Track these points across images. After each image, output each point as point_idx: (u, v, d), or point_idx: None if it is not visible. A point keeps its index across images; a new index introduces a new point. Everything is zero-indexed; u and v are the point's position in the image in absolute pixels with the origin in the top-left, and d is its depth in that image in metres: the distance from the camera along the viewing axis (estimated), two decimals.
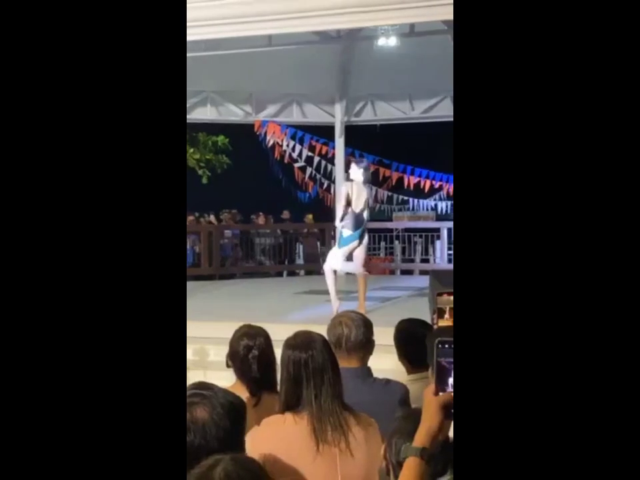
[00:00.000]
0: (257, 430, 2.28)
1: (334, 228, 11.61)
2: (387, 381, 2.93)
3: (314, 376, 2.25)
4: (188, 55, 7.34)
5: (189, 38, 7.27)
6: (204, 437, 1.64)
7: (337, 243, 6.84)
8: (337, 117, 11.32)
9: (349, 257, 6.86)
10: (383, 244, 14.32)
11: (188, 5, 6.66)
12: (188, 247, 11.24)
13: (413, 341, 3.08)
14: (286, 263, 12.23)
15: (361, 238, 6.65)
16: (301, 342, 2.33)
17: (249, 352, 2.72)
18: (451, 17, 6.47)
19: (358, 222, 6.58)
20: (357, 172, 6.82)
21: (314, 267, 12.28)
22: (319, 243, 12.58)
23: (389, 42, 8.56)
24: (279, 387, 2.45)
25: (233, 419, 1.73)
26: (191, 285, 7.48)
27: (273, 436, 2.25)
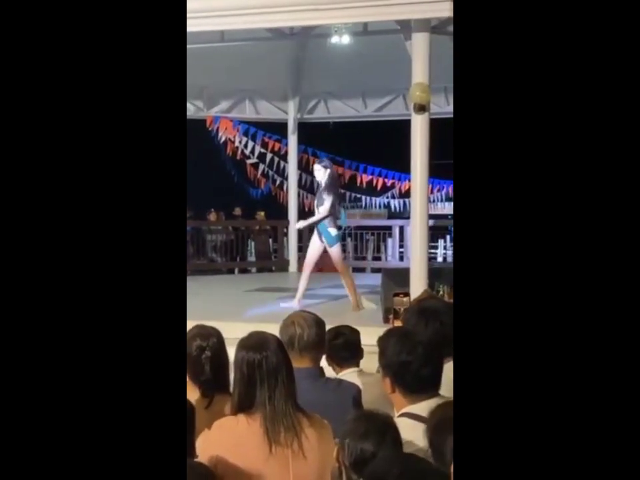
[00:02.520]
0: (209, 432, 2.25)
1: (286, 225, 11.65)
2: (340, 381, 2.94)
3: (268, 377, 2.24)
4: None
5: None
6: None
7: (327, 242, 6.87)
8: (290, 114, 11.30)
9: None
10: None
11: None
12: None
13: (346, 345, 3.34)
14: (238, 260, 12.16)
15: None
16: (254, 342, 2.31)
17: (202, 353, 2.68)
18: (403, 16, 6.52)
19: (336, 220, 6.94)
20: (321, 172, 6.92)
21: (266, 264, 12.28)
22: (270, 240, 12.54)
23: (342, 40, 8.56)
24: (231, 388, 2.43)
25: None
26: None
27: (226, 438, 2.22)
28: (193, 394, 2.61)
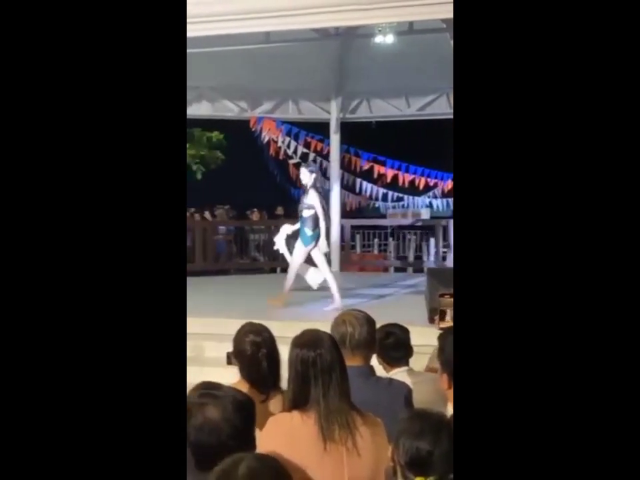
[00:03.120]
0: (264, 428, 2.28)
1: (329, 224, 11.66)
2: (390, 380, 2.94)
3: (322, 375, 2.26)
4: (187, 50, 7.17)
5: (188, 34, 7.19)
6: (217, 436, 1.64)
7: (301, 241, 7.20)
8: (333, 114, 11.31)
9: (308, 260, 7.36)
10: (376, 241, 14.34)
11: (188, 2, 6.59)
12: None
13: (396, 344, 3.35)
14: (280, 259, 12.22)
15: (317, 239, 7.13)
16: (308, 340, 2.34)
17: (258, 349, 2.72)
18: (449, 15, 6.48)
19: (316, 223, 7.07)
20: (307, 175, 7.21)
21: (307, 263, 12.31)
22: None
23: (386, 39, 8.55)
24: (284, 385, 2.46)
25: (244, 417, 1.74)
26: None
27: (280, 434, 2.25)
28: (245, 391, 2.64)
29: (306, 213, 7.10)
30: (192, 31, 6.13)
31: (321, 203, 7.07)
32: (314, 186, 7.12)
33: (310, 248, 7.16)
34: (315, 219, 7.07)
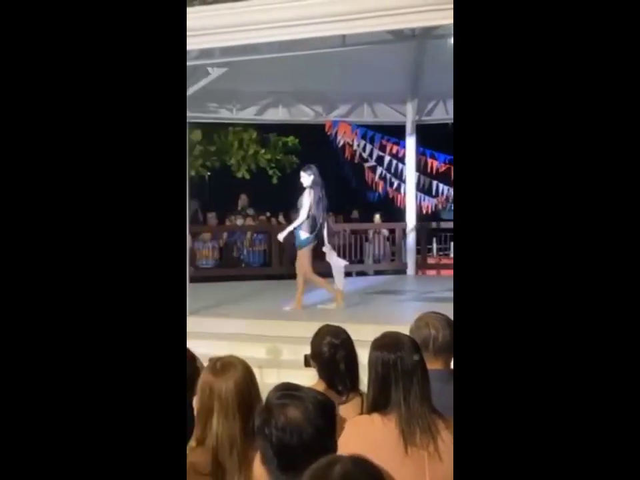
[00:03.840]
0: (344, 430, 2.27)
1: (404, 227, 11.59)
2: None
3: (403, 377, 2.23)
4: (262, 56, 7.35)
5: (258, 40, 7.29)
6: (299, 436, 1.64)
7: (296, 243, 7.41)
8: (408, 116, 11.24)
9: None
10: (453, 244, 14.15)
11: (261, 7, 6.70)
12: (262, 247, 11.37)
13: None
14: (355, 262, 12.21)
15: (317, 240, 7.31)
16: (389, 343, 2.32)
17: (336, 351, 2.72)
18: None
19: (314, 225, 7.21)
20: (306, 178, 7.36)
21: (383, 267, 12.27)
22: (388, 243, 12.52)
23: None
24: (364, 387, 2.45)
25: (326, 418, 1.73)
26: (261, 285, 7.58)
27: (361, 437, 2.23)
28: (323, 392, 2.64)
29: (302, 214, 7.24)
30: (266, 36, 6.23)
31: (316, 202, 7.18)
32: (310, 187, 7.27)
33: (307, 250, 7.26)
34: (311, 221, 7.21)
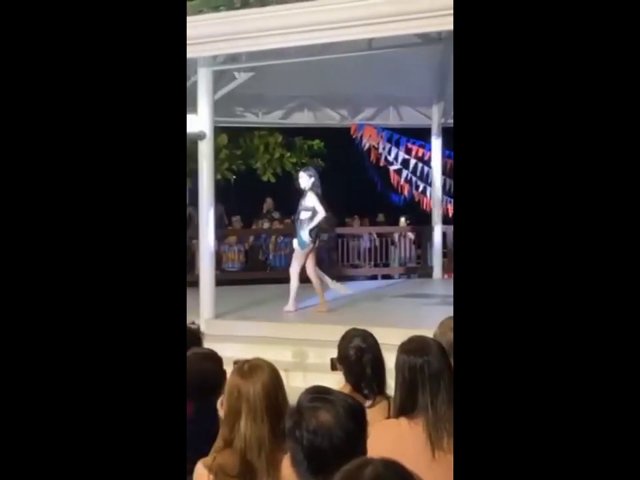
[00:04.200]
0: (372, 434, 2.27)
1: (430, 230, 11.55)
2: None
3: (430, 381, 2.24)
4: (288, 60, 7.38)
5: (284, 45, 7.30)
6: (330, 439, 1.65)
7: (297, 244, 7.46)
8: (434, 119, 11.21)
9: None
10: None
11: (287, 12, 6.72)
12: (287, 251, 11.40)
13: None
14: (380, 266, 12.20)
15: (315, 240, 7.40)
16: (416, 347, 2.32)
17: (362, 355, 2.73)
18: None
19: (314, 226, 7.39)
20: (306, 179, 7.49)
21: (409, 270, 12.24)
22: (414, 246, 12.48)
23: None
24: (390, 391, 2.45)
25: (356, 421, 1.74)
26: (287, 288, 7.61)
27: (388, 440, 2.23)
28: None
29: (303, 215, 7.35)
30: (298, 40, 6.26)
31: (321, 203, 7.33)
32: (311, 189, 7.35)
33: (307, 251, 7.34)
34: (312, 221, 7.30)
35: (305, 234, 7.32)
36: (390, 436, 2.25)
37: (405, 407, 2.28)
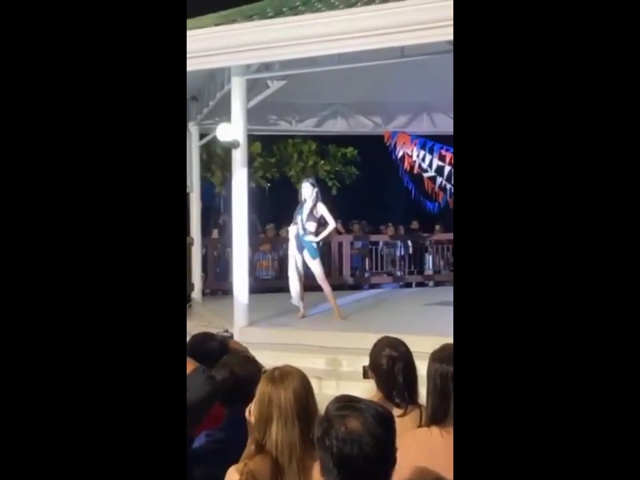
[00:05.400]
0: (403, 443, 2.26)
1: None
2: None
3: None
4: (321, 68, 7.40)
5: (317, 53, 7.33)
6: (359, 447, 1.65)
7: (310, 255, 7.51)
8: None
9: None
10: None
11: (320, 20, 6.73)
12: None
13: None
14: (415, 273, 12.15)
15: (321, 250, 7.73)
16: (448, 355, 2.30)
17: (394, 363, 2.72)
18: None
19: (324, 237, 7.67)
20: (309, 189, 7.60)
21: (443, 277, 12.16)
22: (449, 254, 12.40)
23: None
24: (423, 400, 2.43)
25: (386, 429, 1.74)
26: (321, 296, 7.63)
27: (420, 449, 2.22)
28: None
29: (310, 226, 7.38)
30: (331, 49, 6.28)
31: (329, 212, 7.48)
32: (318, 198, 7.49)
33: (320, 259, 7.49)
34: (322, 233, 7.46)
35: (314, 245, 7.43)
36: (421, 445, 2.23)
37: (436, 416, 2.26)
